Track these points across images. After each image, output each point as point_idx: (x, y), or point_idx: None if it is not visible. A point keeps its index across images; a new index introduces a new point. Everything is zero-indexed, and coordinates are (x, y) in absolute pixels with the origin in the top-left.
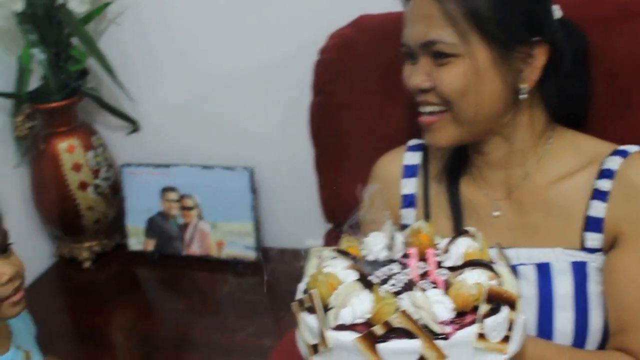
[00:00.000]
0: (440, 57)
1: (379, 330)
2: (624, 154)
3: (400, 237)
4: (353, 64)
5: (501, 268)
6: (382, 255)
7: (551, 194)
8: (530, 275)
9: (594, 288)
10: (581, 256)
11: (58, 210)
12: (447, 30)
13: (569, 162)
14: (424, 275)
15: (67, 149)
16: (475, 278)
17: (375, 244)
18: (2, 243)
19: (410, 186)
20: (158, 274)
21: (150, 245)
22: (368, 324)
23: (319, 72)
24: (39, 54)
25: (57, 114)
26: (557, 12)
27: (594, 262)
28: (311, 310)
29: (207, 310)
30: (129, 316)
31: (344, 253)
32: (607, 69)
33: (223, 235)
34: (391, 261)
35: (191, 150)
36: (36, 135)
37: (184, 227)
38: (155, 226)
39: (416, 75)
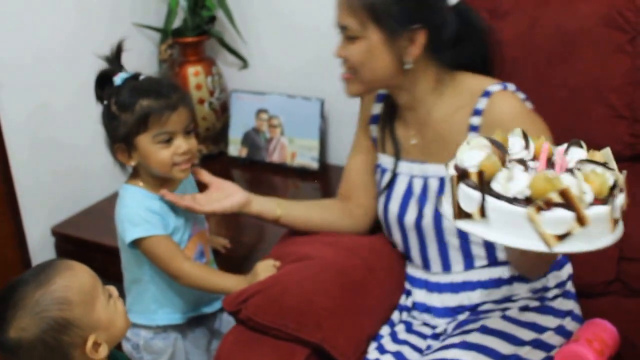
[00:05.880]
0: (349, 37)
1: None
2: (488, 94)
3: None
4: None
5: (614, 166)
6: (522, 154)
7: (445, 127)
8: (435, 184)
9: None
10: None
11: None
12: (351, 19)
13: (455, 102)
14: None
15: (194, 73)
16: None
17: (515, 144)
18: (188, 126)
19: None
20: (247, 175)
21: (244, 153)
22: (527, 199)
23: None
24: (183, 1)
25: (190, 47)
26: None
27: None
28: (474, 186)
29: None
30: None
31: (497, 143)
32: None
33: (296, 148)
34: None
35: (281, 83)
36: (173, 61)
37: (270, 140)
38: (249, 138)
39: (338, 47)
